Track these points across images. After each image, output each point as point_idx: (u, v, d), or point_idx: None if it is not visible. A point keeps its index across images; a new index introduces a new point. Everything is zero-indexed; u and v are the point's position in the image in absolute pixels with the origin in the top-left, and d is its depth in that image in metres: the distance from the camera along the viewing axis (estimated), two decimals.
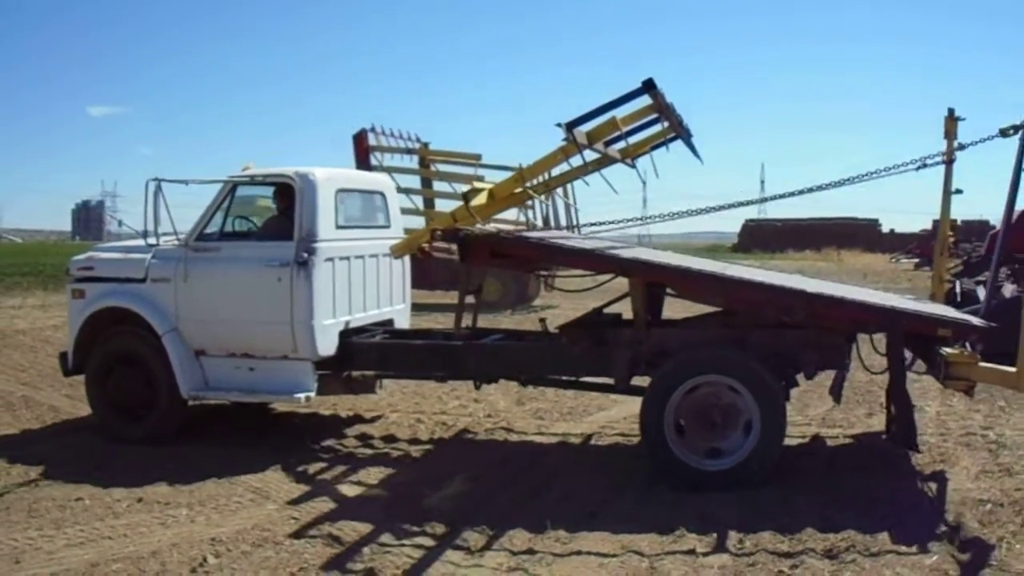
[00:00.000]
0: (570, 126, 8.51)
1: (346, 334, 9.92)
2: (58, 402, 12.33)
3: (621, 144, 9.54)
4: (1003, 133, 8.97)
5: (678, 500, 7.89)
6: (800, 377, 8.88)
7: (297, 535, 7.31)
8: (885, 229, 77.60)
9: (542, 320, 10.20)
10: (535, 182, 9.44)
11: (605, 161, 9.66)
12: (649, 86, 8.60)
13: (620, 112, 8.90)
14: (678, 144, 10.29)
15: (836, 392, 9.01)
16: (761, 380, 8.28)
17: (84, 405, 10.66)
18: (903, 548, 6.76)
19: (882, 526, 7.14)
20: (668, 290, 9.64)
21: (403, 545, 7.04)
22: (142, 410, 10.01)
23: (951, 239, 10.98)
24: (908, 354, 8.89)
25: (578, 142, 8.62)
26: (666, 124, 9.55)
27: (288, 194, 9.74)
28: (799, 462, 9.27)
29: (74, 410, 11.59)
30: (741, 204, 11.91)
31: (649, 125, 9.66)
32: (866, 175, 9.69)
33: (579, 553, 6.85)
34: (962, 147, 10.05)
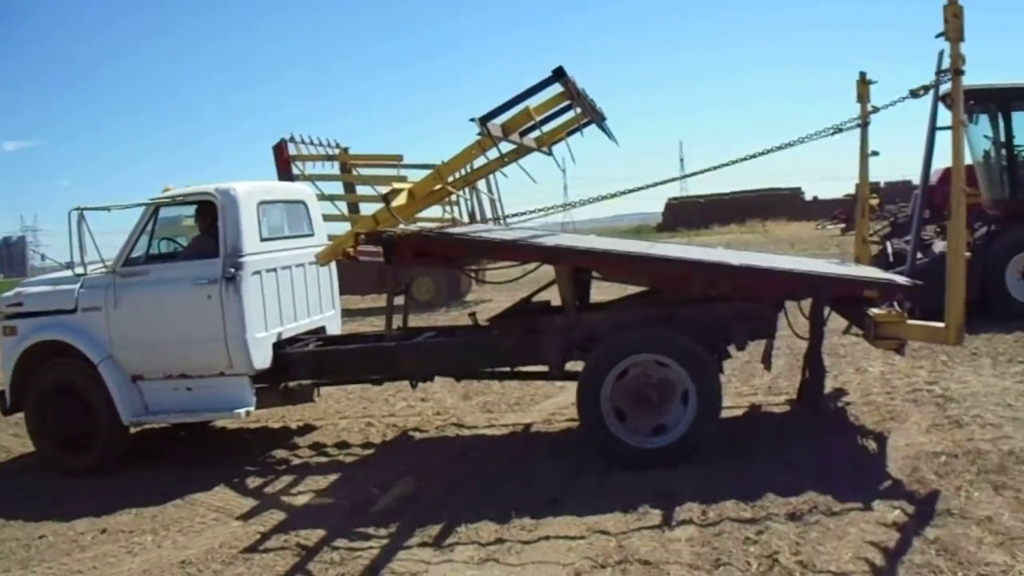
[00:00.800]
0: (484, 120, 8.54)
1: (279, 345, 9.91)
2: (6, 442, 12.15)
3: (536, 133, 9.58)
4: (913, 94, 9.12)
5: (636, 479, 7.97)
6: (748, 348, 9.11)
7: (265, 548, 7.34)
8: (808, 197, 77.92)
9: (472, 314, 10.23)
10: (453, 178, 9.46)
11: (522, 151, 9.69)
12: (559, 74, 8.63)
13: (533, 102, 8.91)
14: (596, 130, 10.35)
15: (767, 360, 9.20)
16: (686, 349, 8.39)
17: None
18: (864, 505, 6.92)
19: (841, 486, 7.31)
20: (595, 274, 9.73)
21: (371, 547, 7.08)
22: (85, 441, 9.91)
23: (876, 201, 11.22)
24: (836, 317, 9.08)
25: (492, 135, 8.65)
26: (579, 110, 9.57)
27: (211, 211, 9.73)
28: (751, 431, 9.45)
29: (24, 448, 11.38)
30: (662, 183, 12.06)
31: (562, 112, 9.64)
32: (784, 145, 9.76)
33: (547, 538, 6.94)
34: (875, 110, 10.24)
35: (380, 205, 9.19)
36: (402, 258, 9.33)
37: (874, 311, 8.39)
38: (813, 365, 8.65)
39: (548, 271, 9.29)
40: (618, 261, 9.17)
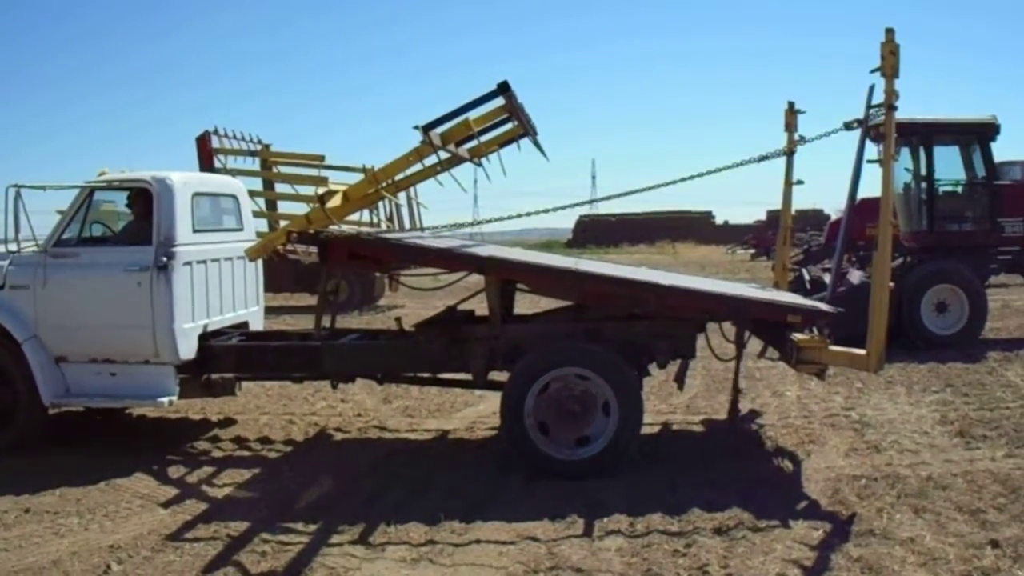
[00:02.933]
0: (427, 128, 8.61)
1: (204, 337, 9.88)
2: None
3: (472, 144, 9.66)
4: (847, 127, 9.43)
5: (563, 488, 8.09)
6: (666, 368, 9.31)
7: (195, 538, 7.30)
8: (719, 221, 78.86)
9: (398, 319, 10.27)
10: (387, 183, 9.52)
11: (455, 161, 9.75)
12: (504, 88, 8.75)
13: (473, 114, 9.02)
14: (518, 143, 10.45)
15: (680, 379, 9.38)
16: (607, 361, 8.57)
17: None
18: (788, 523, 7.12)
19: (765, 504, 7.51)
20: (520, 286, 9.87)
21: (300, 542, 7.10)
22: (3, 419, 9.76)
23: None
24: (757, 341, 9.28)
25: (434, 144, 8.73)
26: (516, 123, 9.68)
27: (145, 199, 9.67)
28: (674, 447, 9.65)
29: None
30: (576, 204, 12.36)
31: (499, 125, 9.74)
32: (712, 170, 9.93)
33: (478, 542, 7.02)
34: (804, 140, 10.48)
35: (300, 203, 9.23)
36: (336, 259, 9.49)
37: (797, 336, 8.58)
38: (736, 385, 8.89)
39: (466, 282, 9.51)
40: (551, 276, 9.29)
